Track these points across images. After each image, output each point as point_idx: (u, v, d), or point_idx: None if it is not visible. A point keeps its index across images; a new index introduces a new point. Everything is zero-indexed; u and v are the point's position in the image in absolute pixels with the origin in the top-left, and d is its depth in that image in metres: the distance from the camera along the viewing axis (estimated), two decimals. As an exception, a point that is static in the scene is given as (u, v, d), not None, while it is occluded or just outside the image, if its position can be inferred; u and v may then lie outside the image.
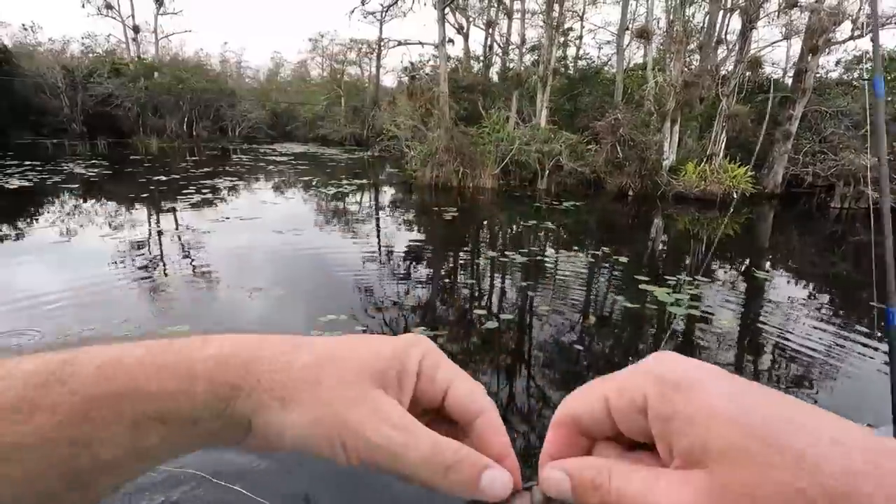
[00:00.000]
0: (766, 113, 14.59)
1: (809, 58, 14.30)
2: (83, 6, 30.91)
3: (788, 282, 6.95)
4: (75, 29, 44.47)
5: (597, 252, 7.92)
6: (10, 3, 63.59)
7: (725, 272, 7.65)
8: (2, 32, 32.12)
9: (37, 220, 8.69)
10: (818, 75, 16.00)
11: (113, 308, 4.69)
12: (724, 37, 15.92)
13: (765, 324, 5.33)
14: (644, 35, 15.61)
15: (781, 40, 16.58)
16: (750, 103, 14.98)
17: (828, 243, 10.39)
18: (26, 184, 11.85)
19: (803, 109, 14.65)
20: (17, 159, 16.63)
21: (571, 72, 24.13)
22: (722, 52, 16.06)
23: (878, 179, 1.89)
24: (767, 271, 7.61)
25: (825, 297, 6.42)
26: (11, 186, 11.34)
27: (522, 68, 18.96)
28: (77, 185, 12.30)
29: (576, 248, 8.65)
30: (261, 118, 34.91)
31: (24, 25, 36.82)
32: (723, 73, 15.50)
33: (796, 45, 16.18)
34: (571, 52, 25.67)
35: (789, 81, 17.07)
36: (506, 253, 7.44)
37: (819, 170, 14.21)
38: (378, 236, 8.60)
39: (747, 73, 14.28)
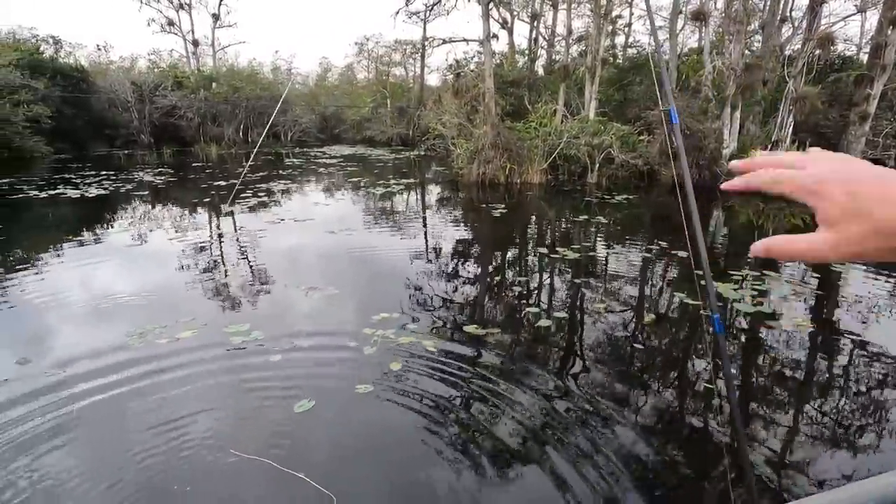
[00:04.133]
0: (840, 93, 13.49)
1: (889, 31, 13.08)
2: (148, 24, 33.02)
3: (868, 275, 6.39)
4: (142, 46, 47.76)
5: (652, 247, 7.62)
6: (85, 26, 69.00)
7: (796, 265, 7.15)
8: (80, 54, 34.89)
9: (112, 225, 9.38)
10: (900, 49, 14.61)
11: (180, 307, 4.98)
12: (789, 14, 14.88)
13: (839, 321, 4.94)
14: (700, 17, 14.81)
15: (855, 14, 15.33)
16: (820, 84, 13.91)
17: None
18: (103, 192, 12.83)
19: (882, 87, 13.43)
20: (95, 169, 18.05)
21: (621, 61, 23.34)
22: (787, 30, 15.03)
23: None
24: (843, 264, 7.04)
25: (913, 292, 5.85)
26: (90, 195, 12.32)
27: (569, 60, 18.52)
28: (146, 192, 13.18)
29: (630, 243, 8.36)
30: (311, 122, 36.08)
31: (98, 46, 39.86)
32: (788, 52, 14.50)
33: (873, 17, 14.89)
34: (620, 40, 24.87)
35: (865, 58, 15.71)
36: (556, 249, 7.29)
37: (903, 152, 13.00)
38: (426, 235, 8.66)
39: (817, 52, 13.25)
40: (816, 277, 6.34)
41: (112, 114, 29.18)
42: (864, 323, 4.79)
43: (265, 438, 2.89)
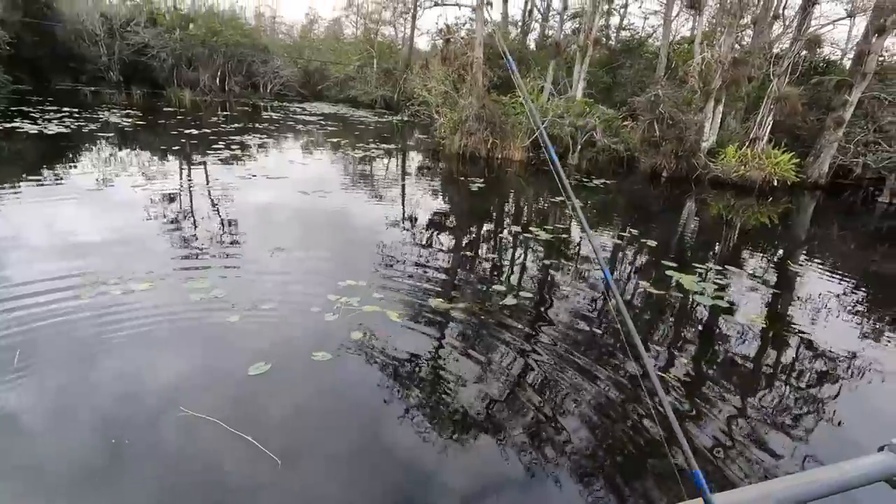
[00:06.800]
0: (820, 97, 13.71)
1: (874, 39, 13.26)
2: (122, -48, 30.74)
3: (822, 277, 6.65)
4: (115, -24, 44.43)
5: (624, 233, 7.72)
6: (52, -53, 63.85)
7: (757, 263, 7.38)
8: (44, -24, 32.28)
9: (73, 166, 8.90)
10: (882, 59, 14.88)
11: (139, 257, 4.80)
12: (782, 11, 14.89)
13: (791, 318, 5.14)
14: (695, 6, 14.70)
15: (844, 18, 15.43)
16: (803, 86, 14.08)
17: (871, 240, 9.89)
18: (64, 130, 12.12)
19: (861, 95, 13.71)
20: (57, 105, 17.00)
21: (613, 42, 23.10)
22: (778, 28, 15.06)
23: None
24: (801, 265, 7.31)
25: (860, 296, 6.14)
26: (50, 132, 11.62)
27: (562, 36, 18.21)
28: (112, 135, 12.52)
29: (602, 227, 8.45)
30: (292, 76, 34.70)
31: (65, -30, 36.89)
32: (776, 51, 14.58)
33: (861, 23, 15.06)
34: (615, 21, 24.51)
35: (848, 64, 15.95)
36: (530, 228, 7.31)
37: (870, 161, 13.40)
38: (402, 203, 8.54)
39: (804, 53, 13.36)
40: (776, 275, 6.56)
41: (79, 46, 27.35)
42: (813, 321, 5.00)
43: (216, 398, 2.85)
